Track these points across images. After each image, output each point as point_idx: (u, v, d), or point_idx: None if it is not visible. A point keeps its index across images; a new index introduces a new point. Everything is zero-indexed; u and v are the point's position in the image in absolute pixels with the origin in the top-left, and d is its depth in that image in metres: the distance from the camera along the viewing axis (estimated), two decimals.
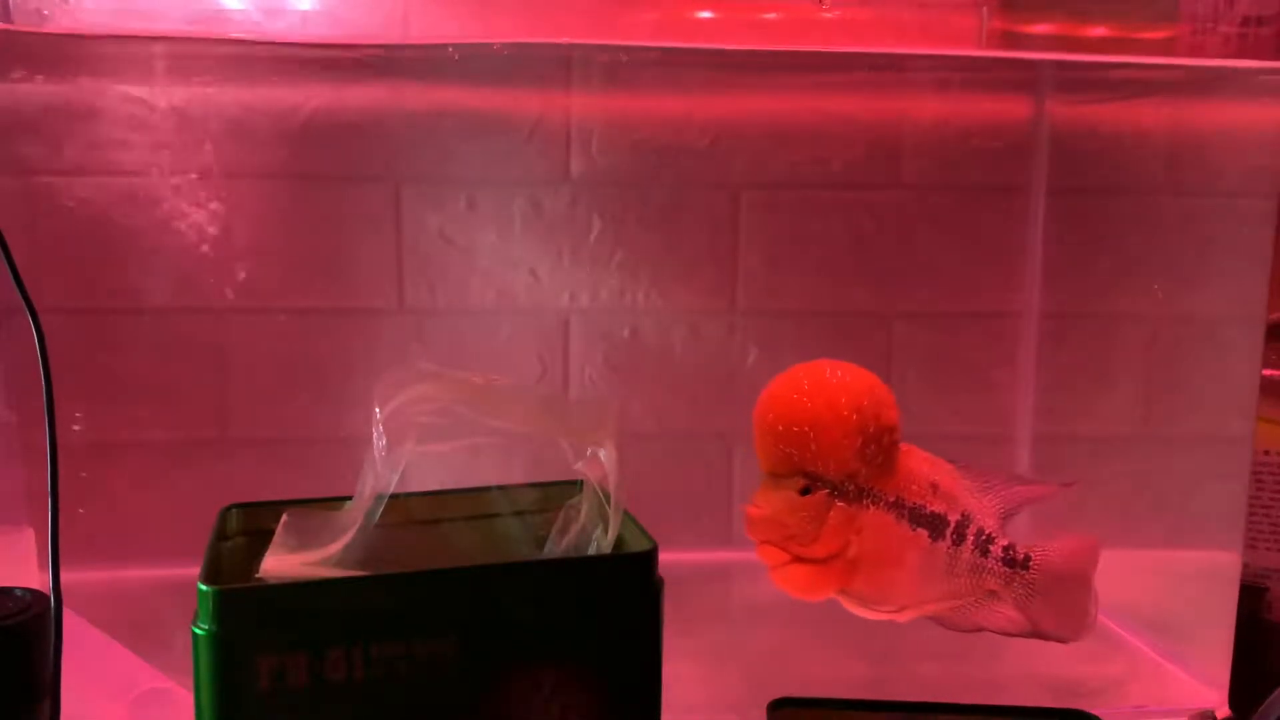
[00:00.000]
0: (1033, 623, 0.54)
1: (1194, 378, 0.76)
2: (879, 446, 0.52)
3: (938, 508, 0.53)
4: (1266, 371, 0.67)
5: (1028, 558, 0.53)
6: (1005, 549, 0.53)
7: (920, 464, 0.53)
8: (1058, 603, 0.54)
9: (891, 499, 0.53)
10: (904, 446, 0.53)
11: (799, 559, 0.53)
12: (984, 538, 0.53)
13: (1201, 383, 0.75)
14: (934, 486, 0.53)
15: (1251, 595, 0.68)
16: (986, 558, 0.53)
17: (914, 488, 0.53)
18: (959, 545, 0.53)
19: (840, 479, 0.52)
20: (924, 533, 0.53)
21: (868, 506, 0.52)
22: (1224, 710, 0.66)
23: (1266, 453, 0.68)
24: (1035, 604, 0.53)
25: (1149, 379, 0.81)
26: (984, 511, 0.54)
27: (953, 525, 0.53)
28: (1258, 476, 0.68)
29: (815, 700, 0.57)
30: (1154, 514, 0.75)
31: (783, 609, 0.80)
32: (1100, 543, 0.55)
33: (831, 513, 0.52)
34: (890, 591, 0.54)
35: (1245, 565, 0.68)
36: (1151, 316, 0.82)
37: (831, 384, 0.52)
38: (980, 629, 0.55)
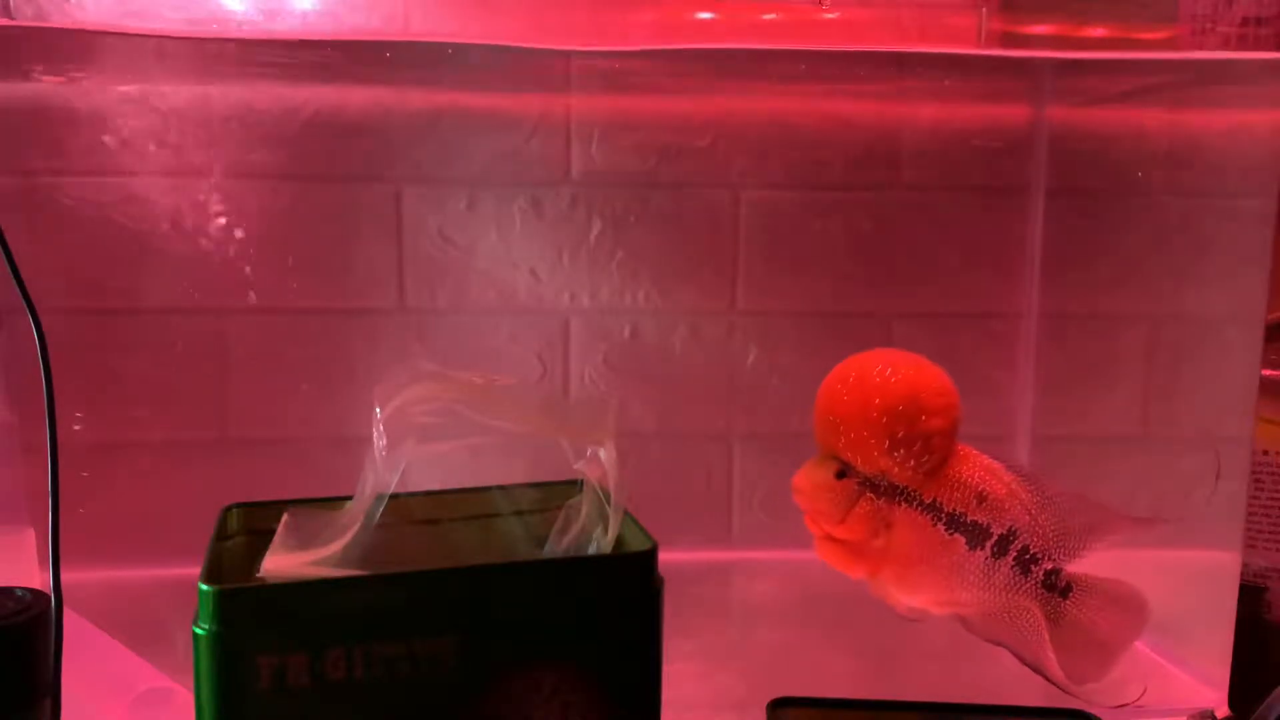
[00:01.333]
0: (1048, 656, 0.53)
1: (1194, 378, 0.76)
2: (909, 451, 0.52)
3: (980, 518, 0.52)
4: (1266, 371, 0.67)
5: (1069, 587, 0.53)
6: (1048, 573, 0.53)
7: (972, 471, 0.53)
8: (1081, 643, 0.53)
9: (929, 500, 0.52)
10: (961, 450, 0.53)
11: (830, 536, 0.54)
12: (1027, 556, 0.53)
13: (1201, 383, 0.75)
14: (981, 496, 0.52)
15: (1251, 595, 0.68)
16: (1026, 577, 0.53)
17: (957, 495, 0.52)
18: (999, 558, 0.53)
19: (872, 473, 0.52)
20: (960, 539, 0.52)
21: (900, 504, 0.53)
22: (1224, 710, 0.66)
23: (1266, 453, 0.68)
24: (1061, 634, 0.53)
25: (1149, 379, 0.81)
26: (1036, 530, 0.53)
27: (995, 537, 0.52)
28: (1257, 477, 0.68)
29: (815, 700, 0.57)
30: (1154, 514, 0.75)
31: (783, 609, 0.80)
32: (1149, 609, 0.54)
33: (861, 501, 0.53)
34: (918, 587, 0.54)
35: (1245, 565, 0.68)
36: (1151, 316, 0.82)
37: (873, 383, 0.52)
38: (1000, 644, 0.54)
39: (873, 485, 0.53)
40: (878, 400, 0.51)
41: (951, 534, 0.52)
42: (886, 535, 0.53)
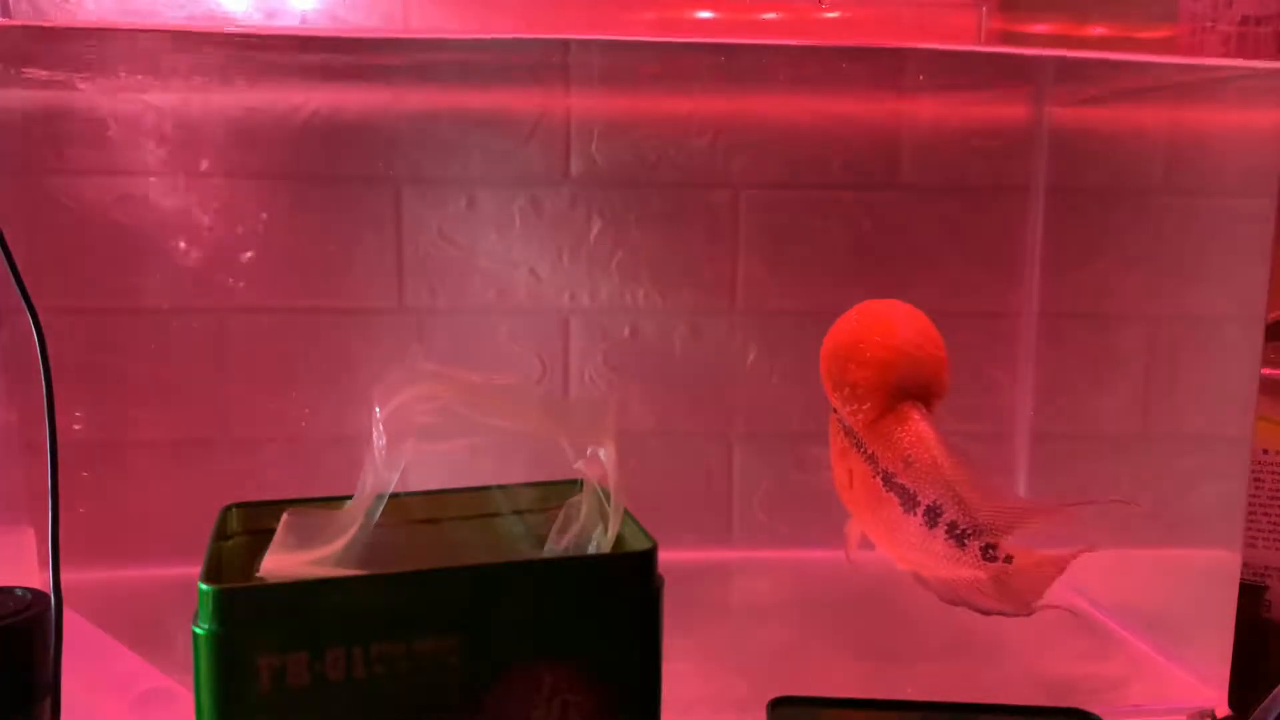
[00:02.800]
0: (1002, 609, 0.54)
1: (1193, 377, 0.76)
2: (841, 396, 0.54)
3: (906, 482, 0.53)
4: (1266, 371, 0.67)
5: (1009, 557, 0.53)
6: (984, 547, 0.53)
7: (905, 434, 0.53)
8: (1032, 583, 0.53)
9: (870, 451, 0.54)
10: (904, 410, 0.53)
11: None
12: (959, 531, 0.53)
13: (1201, 382, 0.75)
14: (907, 460, 0.53)
15: (1251, 594, 0.68)
16: (963, 550, 0.53)
17: (888, 453, 0.53)
18: (932, 528, 0.53)
19: (838, 411, 0.55)
20: (894, 498, 0.53)
21: (854, 449, 0.54)
22: (1223, 709, 0.66)
23: (1265, 452, 0.68)
24: (1011, 581, 0.53)
25: (1148, 378, 0.81)
26: (963, 508, 0.53)
27: (924, 506, 0.53)
28: (1257, 476, 0.68)
29: (815, 700, 0.57)
30: (1154, 513, 0.75)
31: (783, 609, 0.80)
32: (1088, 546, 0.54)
33: (836, 439, 0.56)
34: (874, 537, 0.56)
35: (1245, 564, 0.68)
36: (1151, 316, 0.82)
37: (838, 324, 0.55)
38: (962, 603, 0.54)
39: (843, 424, 0.55)
40: (829, 342, 0.55)
41: (887, 490, 0.53)
42: (851, 476, 0.54)
